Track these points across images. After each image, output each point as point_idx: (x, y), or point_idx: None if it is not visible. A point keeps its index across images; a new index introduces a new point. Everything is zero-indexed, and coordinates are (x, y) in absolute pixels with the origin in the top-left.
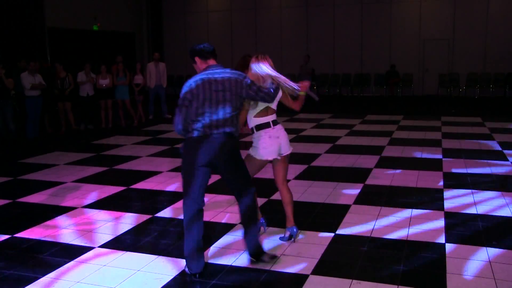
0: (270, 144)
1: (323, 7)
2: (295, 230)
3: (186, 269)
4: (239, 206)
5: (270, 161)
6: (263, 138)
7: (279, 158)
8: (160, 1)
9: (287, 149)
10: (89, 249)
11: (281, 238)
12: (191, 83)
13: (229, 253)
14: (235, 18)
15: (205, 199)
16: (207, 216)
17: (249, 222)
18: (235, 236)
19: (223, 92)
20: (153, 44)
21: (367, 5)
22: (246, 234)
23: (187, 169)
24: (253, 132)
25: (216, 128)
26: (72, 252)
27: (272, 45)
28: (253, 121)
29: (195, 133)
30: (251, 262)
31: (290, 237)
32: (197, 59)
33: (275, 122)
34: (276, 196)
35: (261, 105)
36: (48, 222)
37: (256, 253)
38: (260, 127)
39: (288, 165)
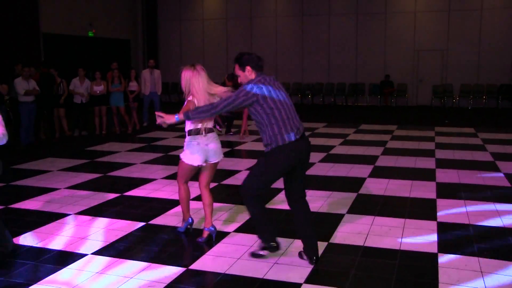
0: (197, 150)
1: (318, 16)
2: (212, 229)
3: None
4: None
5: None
6: (192, 145)
7: (204, 164)
8: (156, 8)
9: (215, 158)
10: (82, 256)
11: (199, 240)
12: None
13: (223, 261)
14: (231, 26)
15: (200, 207)
16: (200, 225)
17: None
18: (229, 244)
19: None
20: (148, 51)
21: (362, 15)
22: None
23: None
24: (185, 136)
25: None
26: (64, 259)
27: (267, 53)
28: (187, 125)
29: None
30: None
31: (210, 237)
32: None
33: (208, 130)
34: (269, 205)
35: None
36: (41, 229)
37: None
38: (191, 132)
39: (214, 172)
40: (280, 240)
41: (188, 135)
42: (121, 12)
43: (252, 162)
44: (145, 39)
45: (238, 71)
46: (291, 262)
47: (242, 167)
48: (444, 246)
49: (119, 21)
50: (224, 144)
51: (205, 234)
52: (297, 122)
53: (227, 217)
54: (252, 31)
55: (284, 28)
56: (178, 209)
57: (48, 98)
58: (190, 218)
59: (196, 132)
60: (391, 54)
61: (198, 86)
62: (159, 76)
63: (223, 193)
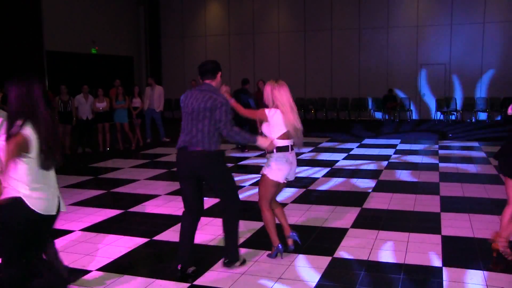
0: (285, 167)
1: (321, 32)
2: (294, 233)
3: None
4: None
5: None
6: (281, 161)
7: (284, 182)
8: (159, 25)
9: (293, 176)
10: (86, 272)
11: (291, 247)
12: None
13: (227, 277)
14: (233, 42)
15: (203, 223)
16: (204, 241)
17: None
18: None
19: None
20: (151, 68)
21: (365, 30)
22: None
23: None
24: (272, 152)
25: None
26: (69, 276)
27: (270, 69)
28: (276, 142)
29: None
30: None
31: (296, 242)
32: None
33: (292, 147)
34: None
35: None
36: None
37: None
38: (281, 149)
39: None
40: (284, 255)
41: (278, 151)
42: (124, 29)
43: (257, 177)
44: (148, 56)
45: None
46: (295, 278)
47: (246, 182)
48: (449, 260)
49: (122, 38)
50: (227, 159)
51: (290, 241)
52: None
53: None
54: (254, 47)
55: (286, 44)
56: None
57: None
58: (279, 245)
59: (286, 148)
60: (394, 68)
61: (281, 98)
62: (161, 93)
63: None
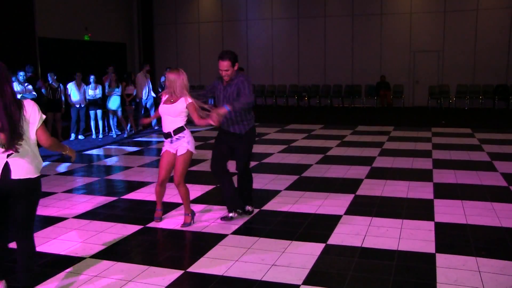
0: None
1: (314, 18)
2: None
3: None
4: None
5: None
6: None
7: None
8: (152, 11)
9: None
10: (79, 259)
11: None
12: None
13: (221, 263)
14: (226, 29)
15: (198, 209)
16: (198, 228)
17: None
18: (226, 246)
19: None
20: (144, 55)
21: (358, 17)
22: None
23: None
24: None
25: None
26: (62, 263)
27: (264, 56)
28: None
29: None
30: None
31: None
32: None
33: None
34: (266, 207)
35: None
36: (38, 233)
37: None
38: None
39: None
40: (278, 242)
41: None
42: (116, 16)
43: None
44: (141, 42)
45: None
46: (289, 264)
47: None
48: (442, 246)
49: (115, 25)
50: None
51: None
52: None
53: (225, 219)
54: (248, 33)
55: (280, 30)
56: (175, 211)
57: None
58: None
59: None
60: (387, 55)
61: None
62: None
63: (220, 196)
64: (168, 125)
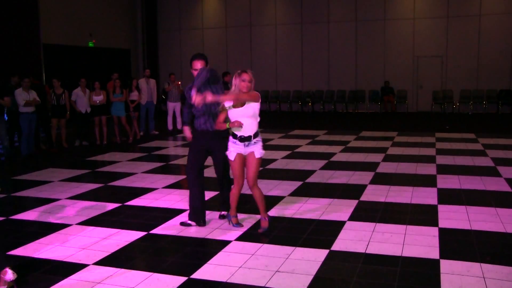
0: None
1: (318, 24)
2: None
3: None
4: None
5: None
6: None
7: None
8: (156, 18)
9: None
10: (83, 266)
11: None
12: None
13: (224, 270)
14: (230, 35)
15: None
16: (201, 234)
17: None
18: (230, 252)
19: None
20: (149, 61)
21: (361, 22)
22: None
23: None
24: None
25: None
26: (65, 270)
27: (267, 61)
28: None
29: None
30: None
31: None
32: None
33: None
34: (270, 213)
35: None
36: (42, 240)
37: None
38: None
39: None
40: (281, 248)
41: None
42: (121, 22)
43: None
44: (145, 48)
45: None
46: (292, 270)
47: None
48: (446, 252)
49: (119, 31)
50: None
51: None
52: None
53: (228, 225)
54: (251, 39)
55: (283, 36)
56: (179, 218)
57: (42, 109)
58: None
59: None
60: (391, 61)
61: None
62: (154, 86)
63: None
64: (248, 129)
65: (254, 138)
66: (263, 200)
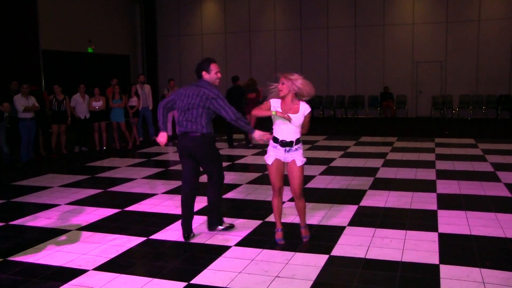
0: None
1: (317, 30)
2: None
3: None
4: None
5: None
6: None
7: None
8: (155, 23)
9: None
10: (83, 272)
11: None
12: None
13: (224, 275)
14: (229, 40)
15: (200, 222)
16: (201, 239)
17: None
18: (230, 258)
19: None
20: (148, 67)
21: (360, 28)
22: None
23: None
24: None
25: None
26: (65, 275)
27: (266, 67)
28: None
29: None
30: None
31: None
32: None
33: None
34: (270, 219)
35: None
36: (40, 245)
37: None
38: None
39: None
40: (281, 253)
41: (298, 143)
42: (120, 28)
43: (254, 175)
44: (144, 54)
45: None
46: (292, 276)
47: (242, 180)
48: (446, 257)
49: (118, 37)
50: (225, 157)
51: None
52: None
53: (227, 232)
54: (251, 45)
55: (283, 42)
56: (178, 224)
57: (41, 115)
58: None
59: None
60: (390, 66)
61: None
62: (149, 91)
63: (224, 207)
64: (290, 134)
65: (295, 144)
66: (305, 213)
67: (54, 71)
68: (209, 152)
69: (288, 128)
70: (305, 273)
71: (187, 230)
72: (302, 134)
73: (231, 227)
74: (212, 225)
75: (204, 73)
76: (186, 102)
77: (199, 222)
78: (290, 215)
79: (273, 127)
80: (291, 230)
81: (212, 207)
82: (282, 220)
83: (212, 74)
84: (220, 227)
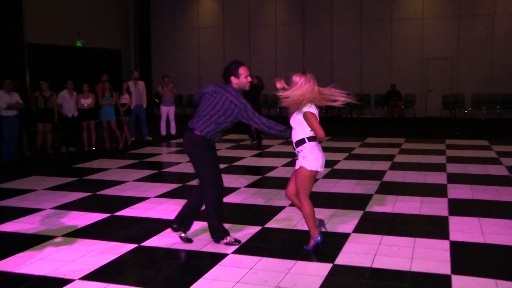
0: (321, 155)
1: (320, 24)
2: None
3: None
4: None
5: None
6: (316, 150)
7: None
8: (149, 16)
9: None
10: (68, 281)
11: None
12: None
13: (220, 285)
14: (228, 35)
15: (196, 227)
16: (196, 246)
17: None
18: (227, 266)
19: None
20: (141, 62)
21: (366, 22)
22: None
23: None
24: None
25: None
26: (49, 286)
27: (267, 64)
28: (307, 132)
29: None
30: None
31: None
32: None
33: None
34: (269, 224)
35: None
36: (23, 253)
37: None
38: (314, 138)
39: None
40: (282, 261)
41: (311, 140)
42: (111, 21)
43: (253, 178)
44: (138, 49)
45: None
46: (293, 286)
47: (241, 184)
48: (458, 267)
49: (110, 30)
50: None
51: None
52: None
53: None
54: (250, 40)
55: (284, 37)
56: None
57: (25, 113)
58: (319, 236)
59: (315, 138)
60: (398, 63)
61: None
62: (143, 88)
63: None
64: (293, 136)
65: (297, 146)
66: (308, 218)
67: (40, 66)
68: (200, 154)
69: (293, 130)
70: (307, 283)
71: (179, 222)
72: (320, 138)
73: (236, 242)
74: (179, 230)
75: (232, 78)
76: (208, 109)
77: (197, 228)
78: (291, 220)
79: None
80: (292, 237)
81: (190, 211)
82: (281, 226)
83: (241, 79)
84: (183, 234)
